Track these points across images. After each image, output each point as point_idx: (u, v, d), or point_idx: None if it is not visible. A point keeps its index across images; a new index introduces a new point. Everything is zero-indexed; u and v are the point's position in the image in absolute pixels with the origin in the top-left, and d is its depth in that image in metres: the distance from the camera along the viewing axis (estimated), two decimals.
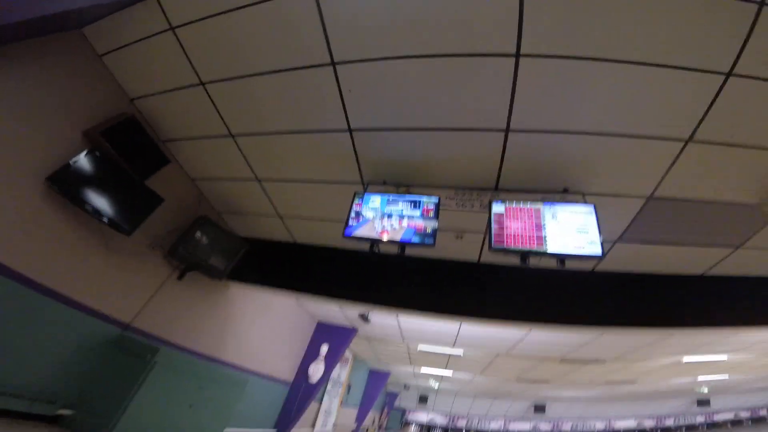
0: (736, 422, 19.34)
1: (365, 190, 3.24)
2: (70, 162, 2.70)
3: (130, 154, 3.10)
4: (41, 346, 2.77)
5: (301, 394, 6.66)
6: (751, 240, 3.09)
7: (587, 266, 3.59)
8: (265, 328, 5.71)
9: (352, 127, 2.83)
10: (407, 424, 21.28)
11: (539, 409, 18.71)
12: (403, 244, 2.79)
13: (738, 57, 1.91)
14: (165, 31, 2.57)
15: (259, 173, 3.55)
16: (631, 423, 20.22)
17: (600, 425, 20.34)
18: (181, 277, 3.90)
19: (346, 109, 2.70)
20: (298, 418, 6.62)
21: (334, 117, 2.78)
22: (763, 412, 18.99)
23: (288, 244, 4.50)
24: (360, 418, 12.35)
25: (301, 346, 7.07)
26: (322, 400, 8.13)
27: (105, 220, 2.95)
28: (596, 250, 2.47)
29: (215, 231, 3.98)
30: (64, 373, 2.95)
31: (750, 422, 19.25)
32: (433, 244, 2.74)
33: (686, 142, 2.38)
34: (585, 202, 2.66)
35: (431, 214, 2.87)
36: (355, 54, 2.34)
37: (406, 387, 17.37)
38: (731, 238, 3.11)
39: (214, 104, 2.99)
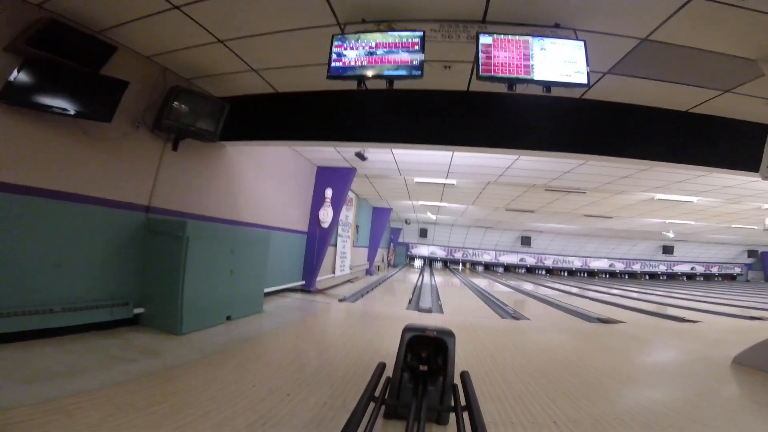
0: (690, 276, 22.16)
1: (343, 32, 2.94)
2: (10, 79, 2.53)
3: (71, 54, 2.89)
4: (84, 252, 3.10)
5: (318, 240, 7.00)
6: (742, 87, 3.14)
7: (575, 94, 3.62)
8: (268, 182, 5.80)
9: None
10: (411, 258, 22.84)
11: (525, 241, 20.67)
12: (390, 78, 2.78)
13: None
14: None
15: (220, 35, 3.15)
16: (603, 264, 22.38)
17: (578, 263, 22.42)
18: (175, 146, 3.97)
19: None
20: (320, 264, 7.08)
21: None
22: (714, 269, 21.91)
23: (270, 95, 4.31)
24: (371, 256, 13.45)
25: (307, 194, 7.20)
26: (336, 244, 8.67)
27: (72, 113, 2.93)
28: (582, 79, 2.56)
29: (192, 97, 3.84)
30: (119, 272, 3.33)
31: (702, 278, 22.03)
32: (421, 76, 2.71)
33: None
34: (576, 38, 2.48)
35: (417, 47, 2.74)
36: None
37: (407, 221, 18.19)
38: (721, 83, 3.16)
39: None
